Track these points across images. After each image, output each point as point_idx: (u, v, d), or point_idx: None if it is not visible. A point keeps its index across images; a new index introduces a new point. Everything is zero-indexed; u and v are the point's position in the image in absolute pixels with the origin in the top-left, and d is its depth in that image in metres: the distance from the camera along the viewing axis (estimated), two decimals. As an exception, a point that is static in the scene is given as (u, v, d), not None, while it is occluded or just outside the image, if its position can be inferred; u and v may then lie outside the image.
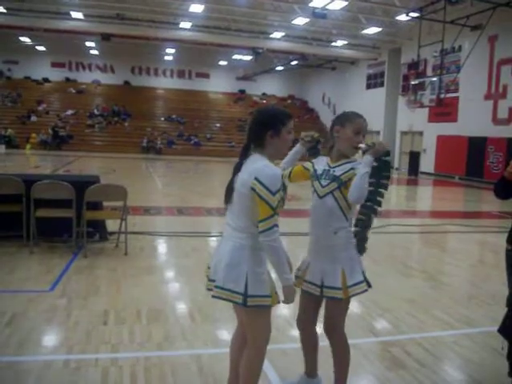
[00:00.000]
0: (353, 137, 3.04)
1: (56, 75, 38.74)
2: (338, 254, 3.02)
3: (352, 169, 2.98)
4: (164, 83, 40.81)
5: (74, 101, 36.26)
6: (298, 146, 3.28)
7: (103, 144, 31.82)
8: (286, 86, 42.69)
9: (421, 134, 26.93)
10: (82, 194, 6.36)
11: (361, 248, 3.17)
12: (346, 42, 29.08)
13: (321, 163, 3.15)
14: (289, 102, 41.89)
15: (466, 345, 4.22)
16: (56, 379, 3.37)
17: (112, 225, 7.44)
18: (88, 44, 35.44)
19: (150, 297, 5.07)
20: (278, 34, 28.24)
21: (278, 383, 3.43)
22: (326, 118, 38.87)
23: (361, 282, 3.07)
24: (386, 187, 3.07)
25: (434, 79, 23.45)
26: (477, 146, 22.37)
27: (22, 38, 33.98)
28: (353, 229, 3.11)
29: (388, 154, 3.05)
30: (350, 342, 3.16)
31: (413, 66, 25.97)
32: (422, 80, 23.90)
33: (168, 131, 34.35)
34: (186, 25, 27.00)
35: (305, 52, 31.24)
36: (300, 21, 25.02)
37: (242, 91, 42.15)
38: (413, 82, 24.08)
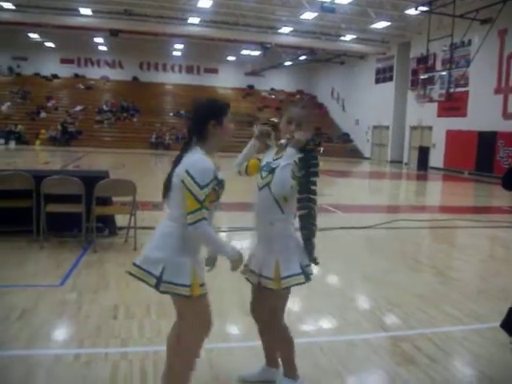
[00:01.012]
0: (286, 126, 3.08)
1: (65, 71, 38.83)
2: (274, 245, 3.02)
3: (288, 164, 2.97)
4: (172, 79, 40.81)
5: (83, 97, 36.34)
6: (252, 141, 3.24)
7: (112, 140, 31.89)
8: (295, 81, 42.55)
9: (430, 128, 26.77)
10: (91, 189, 6.39)
11: (309, 252, 3.10)
12: (354, 37, 28.93)
13: (268, 156, 3.18)
14: (297, 97, 41.78)
15: (475, 340, 4.21)
16: (66, 373, 3.40)
17: (121, 220, 7.47)
18: (96, 40, 35.48)
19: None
20: (286, 29, 28.14)
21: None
22: (335, 113, 38.78)
23: (297, 274, 3.01)
24: (315, 175, 3.01)
25: (444, 73, 23.30)
26: (487, 141, 22.20)
27: (31, 35, 34.07)
28: (300, 232, 3.08)
29: (311, 142, 3.03)
30: (360, 336, 3.17)
31: (422, 60, 25.79)
32: (431, 74, 23.75)
33: (177, 127, 34.36)
34: (194, 20, 26.96)
35: (313, 47, 31.10)
36: (308, 15, 24.91)
37: (251, 86, 42.07)
38: (422, 77, 23.94)
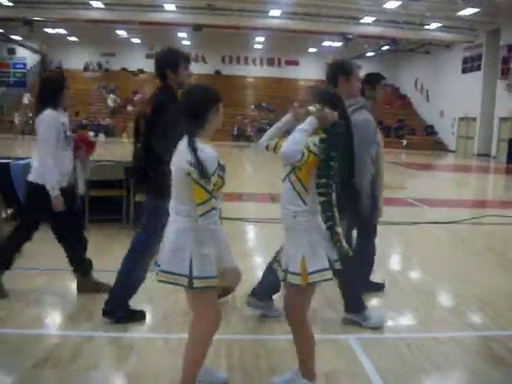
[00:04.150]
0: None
1: (150, 66, 39.93)
2: (299, 239, 2.90)
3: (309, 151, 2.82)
4: (254, 71, 41.11)
5: (167, 91, 37.38)
6: (288, 117, 3.11)
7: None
8: (377, 72, 41.66)
9: (522, 119, 25.43)
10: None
11: (335, 243, 2.94)
12: (440, 25, 27.89)
13: None
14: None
15: None
16: (157, 356, 3.55)
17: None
18: (180, 35, 36.34)
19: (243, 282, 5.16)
20: (368, 19, 27.58)
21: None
22: (419, 105, 37.65)
23: (323, 270, 2.87)
24: (334, 160, 2.84)
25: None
26: None
27: (119, 32, 35.39)
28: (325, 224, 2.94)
29: (338, 125, 2.87)
30: (447, 335, 3.08)
31: (514, 47, 24.55)
32: (523, 62, 22.55)
33: (258, 119, 34.64)
34: (275, 13, 27.02)
35: (396, 36, 30.30)
36: (392, 4, 24.26)
37: (332, 78, 41.62)
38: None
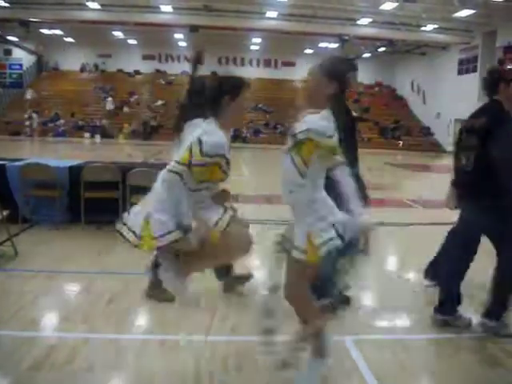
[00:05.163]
0: None
1: (146, 67, 40.05)
2: (301, 214, 2.89)
3: (307, 130, 2.77)
4: (250, 73, 41.01)
5: (164, 92, 37.36)
6: None
7: (191, 133, 32.67)
8: (373, 73, 41.68)
9: (517, 121, 25.48)
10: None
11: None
12: (436, 26, 27.94)
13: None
14: (376, 89, 40.97)
15: None
16: (153, 357, 3.54)
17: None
18: (177, 36, 36.30)
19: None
20: (364, 20, 27.60)
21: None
22: (416, 106, 37.71)
23: (332, 239, 2.81)
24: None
25: (534, 63, 22.12)
26: None
27: (115, 33, 35.29)
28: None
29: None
30: (444, 336, 3.09)
31: (509, 49, 24.58)
32: (519, 64, 22.61)
33: (254, 120, 34.63)
34: (272, 14, 27.03)
35: (393, 38, 30.33)
36: (388, 5, 24.31)
37: (328, 79, 41.65)
38: (509, 67, 22.83)
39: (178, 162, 2.85)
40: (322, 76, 2.89)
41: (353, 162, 3.47)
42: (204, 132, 2.80)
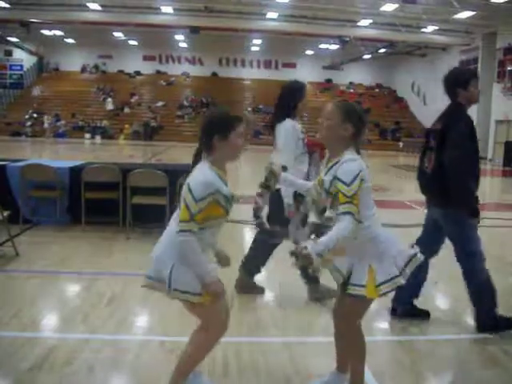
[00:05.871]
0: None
1: (147, 68, 40.09)
2: (363, 251, 2.81)
3: (335, 178, 2.74)
4: (251, 74, 41.13)
5: (164, 92, 37.39)
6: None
7: (192, 134, 32.52)
8: (374, 75, 41.72)
9: (518, 122, 25.47)
10: (175, 182, 6.57)
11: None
12: (436, 28, 27.95)
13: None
14: (376, 90, 40.97)
15: None
16: (153, 357, 3.54)
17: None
18: (177, 37, 36.32)
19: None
20: (365, 22, 27.63)
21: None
22: (416, 108, 37.70)
23: (395, 277, 2.78)
24: None
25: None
26: None
27: (116, 34, 35.33)
28: None
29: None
30: (443, 337, 3.10)
31: (510, 50, 24.59)
32: (520, 65, 22.60)
33: (255, 121, 34.62)
34: (272, 15, 27.04)
35: (393, 39, 30.34)
36: (389, 7, 24.32)
37: (329, 80, 41.65)
38: (510, 68, 22.82)
39: (182, 222, 2.65)
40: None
41: None
42: (192, 177, 2.71)
